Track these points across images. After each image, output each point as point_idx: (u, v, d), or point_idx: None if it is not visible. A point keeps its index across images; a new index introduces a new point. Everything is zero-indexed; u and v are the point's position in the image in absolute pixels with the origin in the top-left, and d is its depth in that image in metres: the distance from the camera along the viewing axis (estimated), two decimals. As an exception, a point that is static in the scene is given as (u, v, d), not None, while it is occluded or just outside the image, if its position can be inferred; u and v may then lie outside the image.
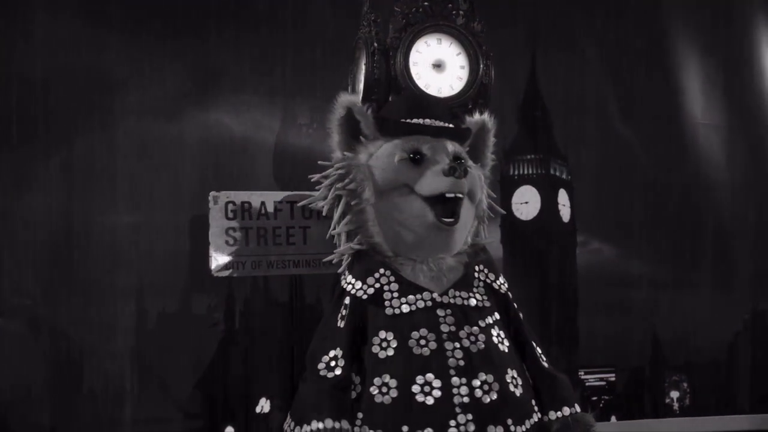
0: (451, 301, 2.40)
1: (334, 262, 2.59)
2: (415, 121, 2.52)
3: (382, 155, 2.48)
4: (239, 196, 2.88)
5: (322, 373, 2.31)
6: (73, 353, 3.42)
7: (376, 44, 2.85)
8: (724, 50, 4.30)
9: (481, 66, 2.88)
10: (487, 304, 2.44)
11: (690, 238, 4.22)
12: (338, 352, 2.33)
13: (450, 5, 2.91)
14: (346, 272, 2.51)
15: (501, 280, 2.53)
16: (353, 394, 2.32)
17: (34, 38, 3.39)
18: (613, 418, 3.99)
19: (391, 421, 2.23)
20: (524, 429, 2.31)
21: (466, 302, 2.41)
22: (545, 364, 2.48)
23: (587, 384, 4.00)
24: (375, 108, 2.71)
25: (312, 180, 2.61)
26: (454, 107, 2.81)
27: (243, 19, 3.68)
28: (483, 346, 2.33)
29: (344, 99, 2.54)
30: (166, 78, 3.57)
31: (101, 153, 3.50)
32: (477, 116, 2.67)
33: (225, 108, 3.66)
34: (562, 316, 4.01)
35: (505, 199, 3.96)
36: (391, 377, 2.27)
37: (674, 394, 4.11)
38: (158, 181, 3.55)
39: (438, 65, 2.90)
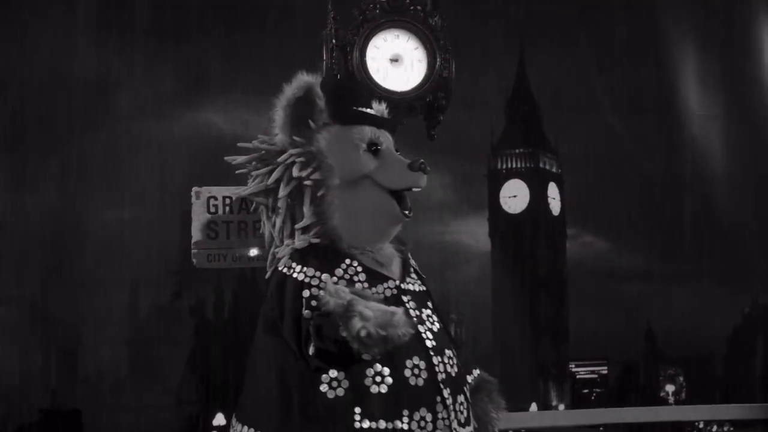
0: (410, 287, 2.45)
1: (278, 256, 2.44)
2: (369, 111, 2.50)
3: (343, 144, 2.45)
4: (220, 191, 2.98)
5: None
6: (69, 342, 3.60)
7: (334, 41, 2.94)
8: (722, 41, 4.27)
9: (438, 60, 2.94)
10: (424, 287, 2.52)
11: (686, 230, 4.20)
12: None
13: (408, 1, 2.99)
14: (295, 264, 2.39)
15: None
16: (341, 391, 2.27)
17: (27, 42, 3.59)
18: (604, 410, 3.97)
19: (392, 408, 2.26)
20: (468, 394, 2.46)
21: (416, 287, 2.47)
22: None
23: (578, 377, 3.99)
24: None
25: (233, 162, 2.50)
26: (412, 101, 2.87)
27: (231, 22, 3.83)
28: (439, 325, 2.43)
29: (304, 78, 2.44)
30: (156, 79, 3.74)
31: (96, 152, 3.72)
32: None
33: (214, 108, 3.84)
34: (553, 309, 4.02)
35: (493, 193, 3.99)
36: (383, 366, 2.28)
37: (669, 388, 4.10)
38: (150, 179, 3.73)
39: (395, 60, 2.98)
